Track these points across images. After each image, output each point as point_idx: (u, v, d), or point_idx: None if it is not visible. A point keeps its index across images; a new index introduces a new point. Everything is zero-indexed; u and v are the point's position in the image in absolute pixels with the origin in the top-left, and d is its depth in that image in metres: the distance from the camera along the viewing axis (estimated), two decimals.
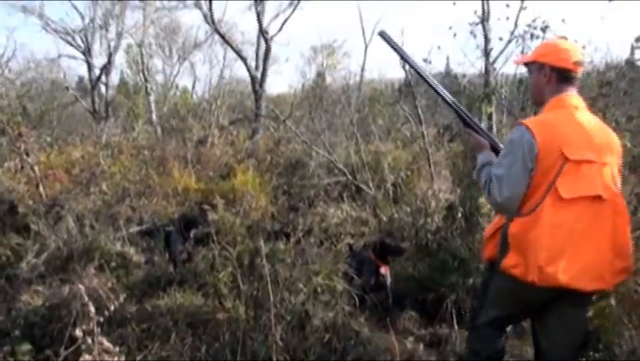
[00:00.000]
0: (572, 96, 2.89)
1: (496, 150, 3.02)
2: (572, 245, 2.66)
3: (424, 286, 4.99)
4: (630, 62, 6.28)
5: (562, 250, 2.65)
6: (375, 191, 7.70)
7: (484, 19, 7.96)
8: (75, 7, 21.56)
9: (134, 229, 6.73)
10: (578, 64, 2.88)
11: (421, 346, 4.15)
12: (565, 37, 3.67)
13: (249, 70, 15.72)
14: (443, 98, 3.22)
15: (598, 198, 2.70)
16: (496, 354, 3.10)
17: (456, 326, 4.27)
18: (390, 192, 7.57)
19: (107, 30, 18.94)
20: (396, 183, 7.86)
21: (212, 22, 15.57)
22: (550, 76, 2.89)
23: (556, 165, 2.67)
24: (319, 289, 3.75)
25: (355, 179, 8.21)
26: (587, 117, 2.87)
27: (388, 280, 4.89)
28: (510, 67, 8.24)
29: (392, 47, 3.26)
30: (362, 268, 4.86)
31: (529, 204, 2.71)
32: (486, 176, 2.85)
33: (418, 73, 3.29)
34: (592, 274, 2.70)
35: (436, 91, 3.22)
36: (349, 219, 7.13)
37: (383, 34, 3.25)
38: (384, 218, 6.76)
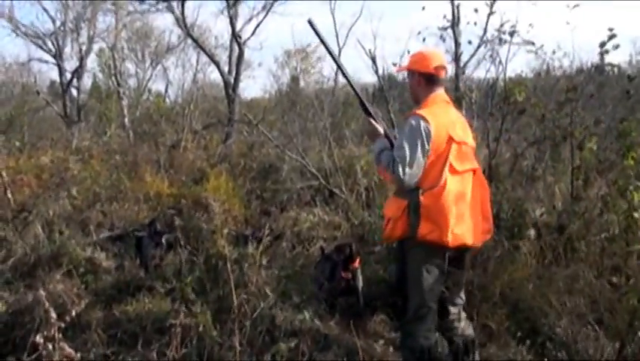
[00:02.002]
0: (442, 94, 3.51)
1: (388, 137, 3.48)
2: (466, 209, 3.32)
3: (395, 290, 4.99)
4: (599, 67, 6.37)
5: (462, 213, 3.29)
6: (348, 195, 7.70)
7: (454, 24, 8.02)
8: (46, 11, 21.20)
9: (105, 234, 6.64)
10: (439, 68, 3.48)
11: (391, 349, 4.14)
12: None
13: (222, 74, 15.65)
14: (352, 88, 3.72)
15: (473, 172, 3.43)
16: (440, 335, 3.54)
17: None
18: (363, 196, 7.58)
19: (78, 34, 18.66)
20: (369, 187, 7.87)
21: (185, 26, 15.47)
22: (420, 80, 3.49)
23: (447, 146, 3.27)
24: (288, 293, 3.72)
25: (328, 183, 8.20)
26: (454, 110, 3.56)
27: (360, 283, 4.89)
28: (480, 71, 8.32)
29: (317, 35, 3.53)
30: (334, 272, 4.85)
31: (430, 179, 3.25)
32: (388, 159, 3.29)
33: (336, 63, 3.66)
34: (475, 233, 3.39)
35: (348, 81, 3.70)
36: (322, 223, 7.11)
37: (310, 22, 3.51)
38: (356, 222, 6.76)
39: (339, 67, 3.65)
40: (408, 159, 3.19)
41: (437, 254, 3.30)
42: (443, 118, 3.33)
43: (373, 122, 3.55)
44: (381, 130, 3.52)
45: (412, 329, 3.39)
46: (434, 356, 3.37)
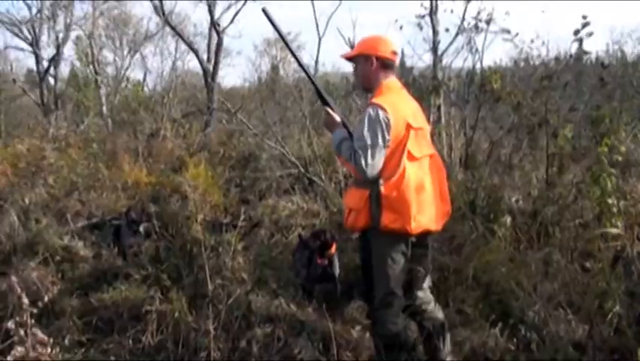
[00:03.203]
0: (395, 80, 3.52)
1: (345, 126, 3.48)
2: (426, 195, 3.34)
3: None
4: (577, 56, 6.43)
5: (423, 200, 3.30)
6: (327, 183, 7.73)
7: (432, 12, 8.05)
8: None
9: (82, 222, 6.61)
10: (394, 53, 3.51)
11: (367, 335, 4.18)
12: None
13: (200, 62, 15.58)
14: (309, 77, 3.72)
15: (431, 156, 3.47)
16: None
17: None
18: (342, 184, 7.61)
19: (55, 21, 18.50)
20: (347, 175, 7.89)
21: (163, 13, 15.38)
22: (377, 65, 3.44)
23: (405, 133, 3.26)
24: (264, 280, 3.74)
25: (307, 171, 8.21)
26: (408, 95, 3.57)
27: (336, 270, 4.91)
28: (458, 60, 8.35)
29: (272, 24, 3.53)
30: (311, 259, 4.88)
31: (389, 168, 3.24)
32: (349, 149, 3.28)
33: (291, 51, 3.76)
34: (437, 217, 3.44)
35: (303, 69, 3.74)
36: (300, 211, 7.13)
37: (265, 11, 3.51)
38: (335, 209, 6.78)
39: (293, 55, 3.72)
40: (369, 149, 3.18)
41: (401, 242, 3.32)
42: (400, 106, 3.33)
43: (330, 111, 3.54)
44: (338, 119, 3.51)
45: (380, 316, 3.41)
46: (404, 341, 3.40)
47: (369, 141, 3.18)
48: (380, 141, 3.19)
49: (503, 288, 4.37)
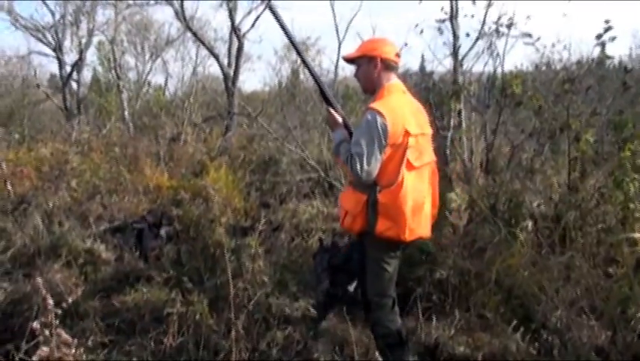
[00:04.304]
0: (398, 83, 3.49)
1: (347, 126, 3.51)
2: (422, 204, 3.37)
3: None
4: (599, 60, 6.37)
5: (418, 209, 3.33)
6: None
7: (453, 17, 7.99)
8: (45, 4, 21.12)
9: (105, 226, 6.68)
10: (398, 55, 3.49)
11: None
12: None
13: (221, 67, 15.65)
14: (313, 76, 3.71)
15: (430, 164, 3.48)
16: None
17: (421, 319, 4.31)
18: None
19: (77, 27, 18.69)
20: None
21: (184, 19, 15.47)
22: (380, 67, 3.42)
23: (403, 140, 3.25)
24: (285, 283, 3.75)
25: (327, 175, 8.23)
26: (411, 99, 3.52)
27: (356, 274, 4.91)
28: (479, 65, 8.31)
29: (278, 21, 3.55)
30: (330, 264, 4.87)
31: (387, 176, 3.26)
32: (346, 152, 3.30)
33: (297, 51, 3.76)
34: (427, 223, 3.47)
35: (308, 68, 3.72)
36: (320, 215, 7.14)
37: (271, 8, 3.55)
38: None
39: (300, 55, 3.74)
40: (365, 155, 3.20)
41: (394, 247, 3.39)
42: (400, 111, 3.30)
43: (333, 111, 3.57)
44: (340, 120, 3.53)
45: (377, 318, 3.48)
46: (405, 337, 3.50)
47: (365, 147, 3.20)
48: (376, 147, 3.20)
49: (525, 292, 4.34)
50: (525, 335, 3.92)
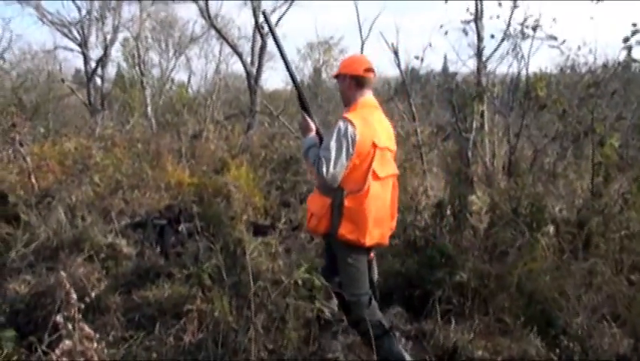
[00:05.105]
0: (370, 98, 3.71)
1: (319, 133, 3.75)
2: (383, 212, 3.64)
3: (411, 283, 5.00)
4: (624, 63, 6.30)
5: (380, 217, 3.59)
6: None
7: (477, 18, 7.96)
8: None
9: (126, 221, 6.73)
10: (368, 70, 3.69)
11: (403, 340, 4.17)
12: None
13: (244, 65, 15.72)
14: (294, 81, 3.92)
15: (393, 176, 3.73)
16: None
17: (440, 322, 4.30)
18: None
19: (103, 23, 18.85)
20: None
21: (209, 16, 15.56)
22: (350, 83, 3.68)
23: (370, 151, 3.50)
24: (300, 283, 3.76)
25: None
26: (381, 115, 3.76)
27: (375, 275, 4.90)
28: (503, 67, 8.26)
29: (269, 27, 3.93)
30: None
31: (354, 182, 3.50)
32: (314, 156, 3.54)
33: (282, 55, 3.85)
34: (386, 233, 3.73)
35: (290, 72, 3.88)
36: None
37: (264, 13, 3.96)
38: None
39: (284, 59, 3.84)
40: (332, 159, 3.42)
41: (359, 251, 3.61)
42: (369, 124, 3.54)
43: (307, 117, 3.79)
44: (313, 126, 3.76)
45: (357, 316, 3.64)
46: (386, 327, 3.64)
47: (333, 152, 3.43)
48: (344, 153, 3.44)
49: (546, 298, 4.30)
50: (545, 340, 3.89)
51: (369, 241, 3.55)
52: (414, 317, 4.69)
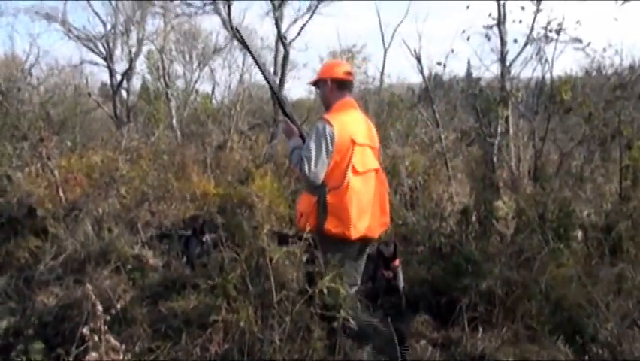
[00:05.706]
0: (350, 100, 3.96)
1: (302, 136, 3.96)
2: (367, 206, 3.78)
3: (438, 290, 4.98)
4: None
5: (363, 210, 3.75)
6: (392, 195, 7.68)
7: (500, 22, 7.91)
8: (97, 14, 21.51)
9: (152, 232, 6.78)
10: (347, 74, 3.99)
11: (430, 348, 4.14)
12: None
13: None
14: (272, 90, 4.29)
15: (375, 171, 3.88)
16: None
17: (467, 329, 4.26)
18: (407, 197, 7.56)
19: (128, 36, 19.07)
20: (413, 188, 7.84)
21: (231, 27, 15.63)
22: (331, 86, 3.93)
23: (349, 148, 3.71)
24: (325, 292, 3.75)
25: None
26: (361, 115, 4.00)
27: (401, 282, 4.89)
28: (527, 71, 8.19)
29: (243, 43, 4.36)
30: (377, 271, 4.88)
31: (335, 179, 3.70)
32: (297, 157, 3.75)
33: (259, 66, 4.20)
34: (375, 226, 3.88)
35: (268, 82, 4.23)
36: None
37: (237, 30, 4.83)
38: (400, 222, 6.74)
39: (260, 69, 4.15)
40: (313, 159, 3.66)
41: (342, 245, 3.74)
42: (347, 123, 3.78)
43: (289, 122, 4.03)
44: (296, 130, 3.99)
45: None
46: (377, 326, 3.80)
47: (313, 152, 3.67)
48: (324, 152, 3.67)
49: (574, 304, 4.25)
50: (573, 347, 3.83)
51: (354, 234, 3.71)
52: (441, 324, 4.67)
